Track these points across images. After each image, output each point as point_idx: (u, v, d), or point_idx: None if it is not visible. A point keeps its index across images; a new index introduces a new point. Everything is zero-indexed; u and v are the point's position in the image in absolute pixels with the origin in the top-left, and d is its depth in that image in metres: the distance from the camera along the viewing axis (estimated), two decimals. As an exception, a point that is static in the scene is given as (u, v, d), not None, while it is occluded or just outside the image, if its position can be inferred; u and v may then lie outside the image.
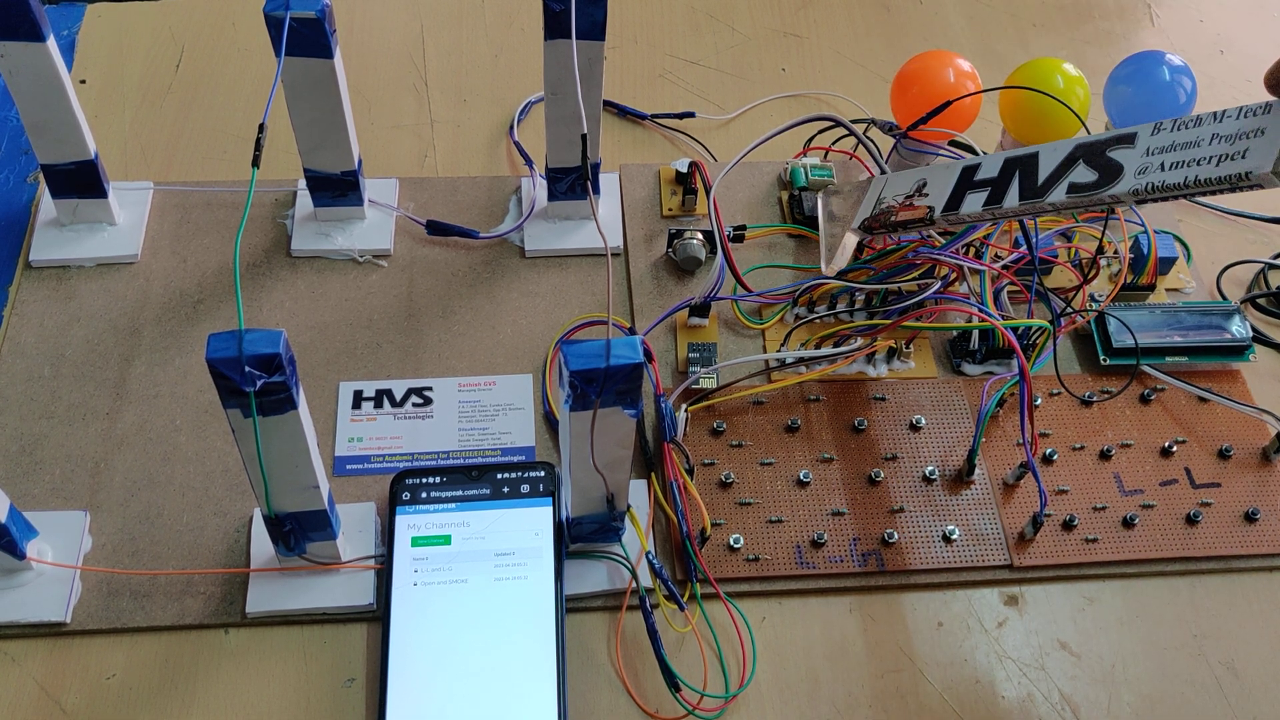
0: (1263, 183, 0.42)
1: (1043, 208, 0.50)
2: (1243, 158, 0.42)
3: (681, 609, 0.54)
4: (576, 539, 0.56)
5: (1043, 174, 0.50)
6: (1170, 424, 0.64)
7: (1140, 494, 0.61)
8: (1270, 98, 0.43)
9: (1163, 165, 0.45)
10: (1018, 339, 0.61)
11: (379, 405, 0.61)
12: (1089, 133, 0.60)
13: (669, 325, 0.66)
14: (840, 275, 0.62)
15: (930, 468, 0.61)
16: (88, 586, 0.54)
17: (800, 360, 0.63)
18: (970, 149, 0.68)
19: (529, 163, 0.72)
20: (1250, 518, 0.60)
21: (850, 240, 0.60)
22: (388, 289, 0.66)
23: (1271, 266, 0.72)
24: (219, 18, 0.81)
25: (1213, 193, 0.44)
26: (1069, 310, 0.65)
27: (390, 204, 0.69)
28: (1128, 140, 0.47)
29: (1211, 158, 0.43)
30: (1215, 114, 0.44)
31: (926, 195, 0.55)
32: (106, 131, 0.73)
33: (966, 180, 0.54)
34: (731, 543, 0.57)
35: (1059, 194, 0.49)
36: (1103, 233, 0.66)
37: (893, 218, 0.57)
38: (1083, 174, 0.48)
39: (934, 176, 0.55)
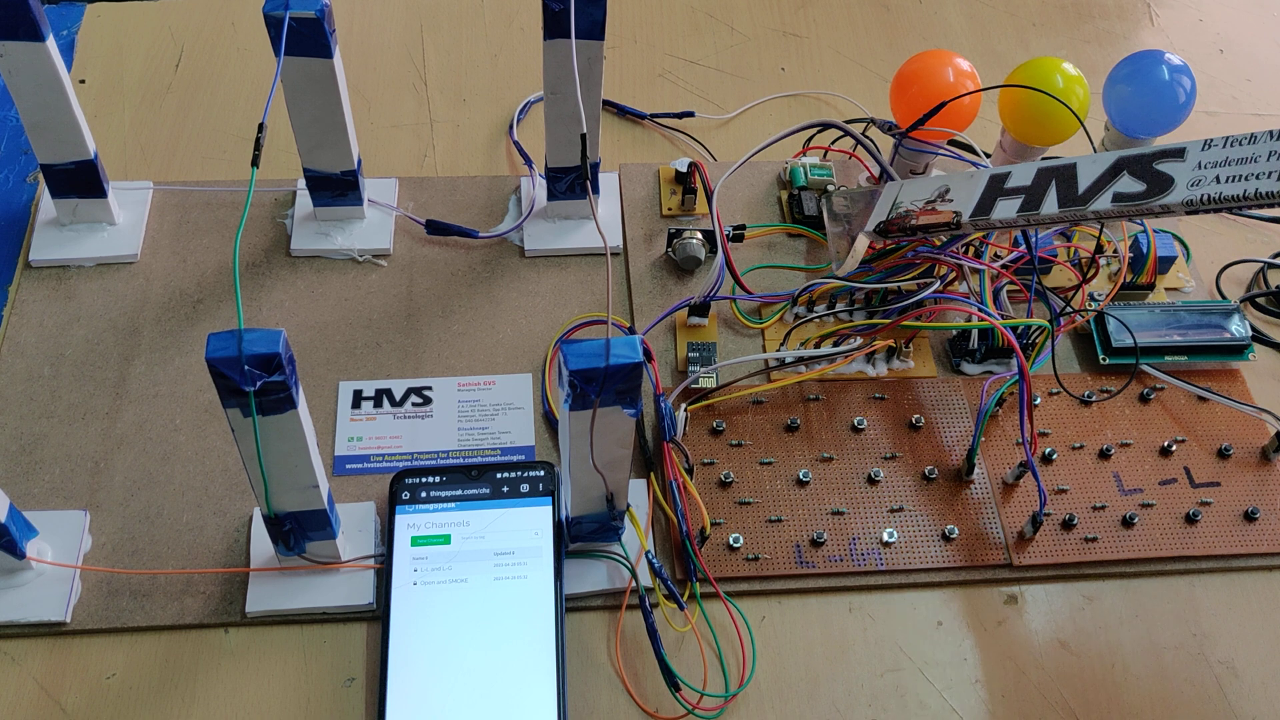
0: None
1: (1084, 215, 0.50)
2: None
3: (681, 608, 0.54)
4: (576, 538, 0.56)
5: (1083, 184, 0.50)
6: (1170, 423, 0.64)
7: (1140, 493, 0.61)
8: None
9: (1218, 178, 0.46)
10: (1017, 338, 0.61)
11: (379, 405, 0.61)
12: (1086, 132, 0.60)
13: (669, 325, 0.66)
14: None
15: (930, 467, 0.61)
16: (88, 586, 0.54)
17: (800, 360, 0.63)
18: (970, 148, 0.68)
19: (528, 162, 0.72)
20: (1250, 517, 0.60)
21: (862, 244, 0.61)
22: (387, 289, 0.66)
23: (1271, 266, 0.72)
24: (219, 18, 0.81)
25: (1271, 205, 0.44)
26: (1068, 309, 0.65)
27: (390, 204, 0.69)
28: (1176, 154, 0.48)
29: (1272, 173, 0.44)
30: (1272, 132, 0.45)
31: (950, 200, 0.55)
32: (106, 131, 0.73)
33: (995, 188, 0.54)
34: (731, 542, 0.57)
35: (1104, 202, 0.49)
36: (1101, 232, 0.66)
37: (912, 221, 0.57)
38: (1129, 184, 0.49)
39: (956, 183, 0.56)
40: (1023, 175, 0.53)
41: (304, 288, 0.66)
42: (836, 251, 0.63)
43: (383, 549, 0.56)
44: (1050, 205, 0.51)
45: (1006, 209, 0.53)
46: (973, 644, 0.56)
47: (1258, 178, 0.44)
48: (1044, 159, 0.53)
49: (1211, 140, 0.47)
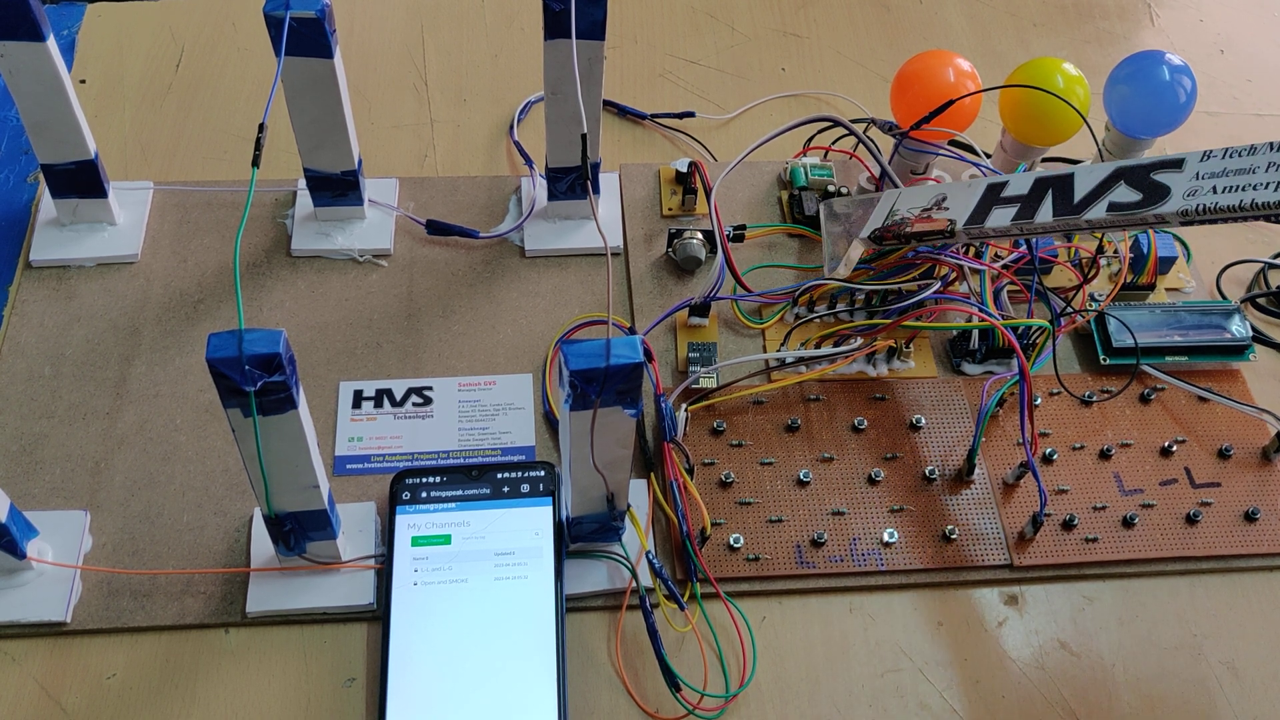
0: None
1: (1079, 224, 0.51)
2: None
3: (681, 609, 0.54)
4: (576, 539, 0.56)
5: (1079, 193, 0.51)
6: (1170, 424, 0.64)
7: (1140, 494, 0.61)
8: None
9: (1214, 189, 0.46)
10: (1018, 339, 0.61)
11: (379, 405, 0.61)
12: (1090, 129, 0.60)
13: (669, 325, 0.66)
14: (840, 275, 0.63)
15: (930, 467, 0.61)
16: (88, 586, 0.54)
17: (800, 360, 0.63)
18: (970, 148, 0.68)
19: (529, 162, 0.72)
20: (1250, 517, 0.60)
21: (857, 249, 0.61)
22: (388, 289, 0.66)
23: (1271, 266, 0.72)
24: (219, 18, 0.81)
25: (1267, 217, 0.45)
26: (1069, 310, 0.65)
27: (390, 204, 0.69)
28: (1174, 165, 0.48)
29: (1269, 183, 0.44)
30: (1272, 144, 0.45)
31: (946, 209, 0.56)
32: (106, 131, 0.73)
33: (992, 196, 0.54)
34: (731, 542, 0.57)
35: (1098, 211, 0.50)
36: (1103, 234, 0.66)
37: (907, 229, 0.57)
38: (1125, 194, 0.49)
39: (954, 192, 0.56)
40: (1020, 184, 0.53)
41: (304, 288, 0.66)
42: (832, 253, 0.63)
43: (383, 549, 0.56)
44: (1045, 214, 0.51)
45: (1001, 217, 0.53)
46: (973, 644, 0.56)
47: (1255, 188, 0.45)
48: (1045, 161, 0.53)
49: (1211, 151, 0.47)
